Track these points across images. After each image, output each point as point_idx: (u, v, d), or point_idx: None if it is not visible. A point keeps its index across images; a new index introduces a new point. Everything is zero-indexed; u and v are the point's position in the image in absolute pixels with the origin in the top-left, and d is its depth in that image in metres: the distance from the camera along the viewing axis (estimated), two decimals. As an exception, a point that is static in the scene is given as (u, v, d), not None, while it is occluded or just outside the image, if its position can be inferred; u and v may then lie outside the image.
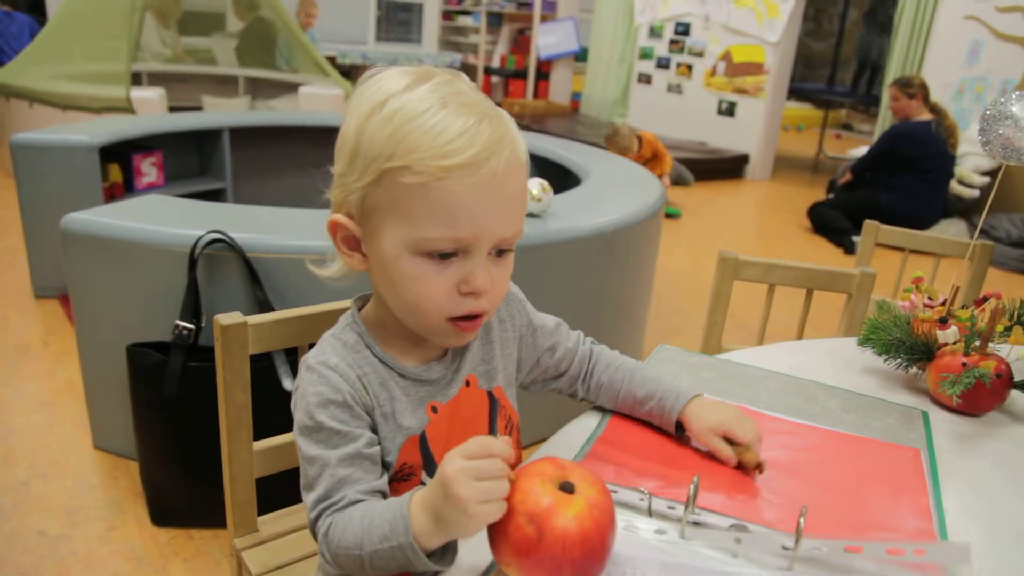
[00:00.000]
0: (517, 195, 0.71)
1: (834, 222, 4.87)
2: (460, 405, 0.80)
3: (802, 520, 0.66)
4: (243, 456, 1.07)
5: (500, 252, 0.72)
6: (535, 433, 1.93)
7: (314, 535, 0.70)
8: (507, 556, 0.60)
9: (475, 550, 0.67)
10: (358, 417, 0.72)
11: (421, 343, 0.78)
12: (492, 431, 0.82)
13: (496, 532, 0.60)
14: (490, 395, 0.83)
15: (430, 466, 0.77)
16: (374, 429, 0.74)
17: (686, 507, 0.70)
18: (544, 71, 9.14)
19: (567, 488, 0.60)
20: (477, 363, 0.82)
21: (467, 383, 0.81)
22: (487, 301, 0.72)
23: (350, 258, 0.75)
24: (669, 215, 4.98)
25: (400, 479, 0.76)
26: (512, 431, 0.86)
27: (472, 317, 0.72)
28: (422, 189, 0.66)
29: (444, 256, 0.69)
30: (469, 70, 9.36)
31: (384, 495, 0.72)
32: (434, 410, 0.78)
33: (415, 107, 0.66)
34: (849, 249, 4.65)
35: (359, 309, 0.80)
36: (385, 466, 0.75)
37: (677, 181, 5.20)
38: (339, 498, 0.68)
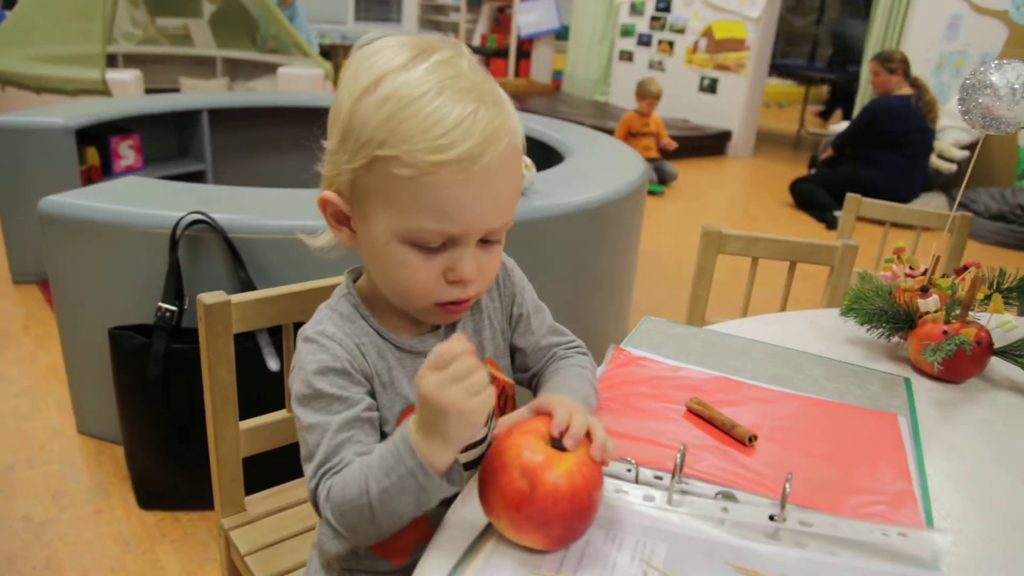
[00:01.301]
0: (511, 186, 0.70)
1: (816, 197, 4.90)
2: None
3: (787, 486, 0.67)
4: (229, 436, 1.07)
5: (488, 240, 0.72)
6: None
7: (315, 506, 0.69)
8: (499, 510, 0.61)
9: (471, 509, 0.67)
10: (357, 383, 0.72)
11: (413, 316, 0.78)
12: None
13: (489, 486, 0.62)
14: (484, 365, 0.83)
15: None
16: (373, 396, 0.74)
17: (673, 475, 0.70)
18: (525, 50, 9.08)
19: (559, 446, 0.62)
20: (469, 334, 0.82)
21: None
22: (474, 288, 0.72)
23: (340, 232, 0.75)
24: (652, 192, 4.99)
25: None
26: (507, 402, 0.86)
27: (460, 302, 0.73)
28: (412, 182, 0.64)
29: (432, 248, 0.68)
30: (450, 49, 9.27)
31: None
32: None
33: (410, 91, 0.64)
34: (831, 224, 4.68)
35: (353, 281, 0.80)
36: (384, 436, 0.75)
37: (661, 177, 5.27)
38: (338, 461, 0.68)
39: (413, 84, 0.64)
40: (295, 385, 0.73)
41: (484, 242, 0.71)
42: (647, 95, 5.30)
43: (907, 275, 1.15)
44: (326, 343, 0.72)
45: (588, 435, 0.64)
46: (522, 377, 0.89)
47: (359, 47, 0.71)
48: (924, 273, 1.13)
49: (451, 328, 0.81)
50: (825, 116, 9.34)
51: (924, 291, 1.06)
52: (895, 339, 1.13)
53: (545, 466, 0.60)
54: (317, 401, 0.71)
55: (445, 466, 0.63)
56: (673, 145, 5.36)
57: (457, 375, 0.59)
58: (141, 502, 1.77)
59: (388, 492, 0.63)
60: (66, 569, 1.57)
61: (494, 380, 0.63)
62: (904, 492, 0.76)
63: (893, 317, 1.09)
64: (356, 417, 0.70)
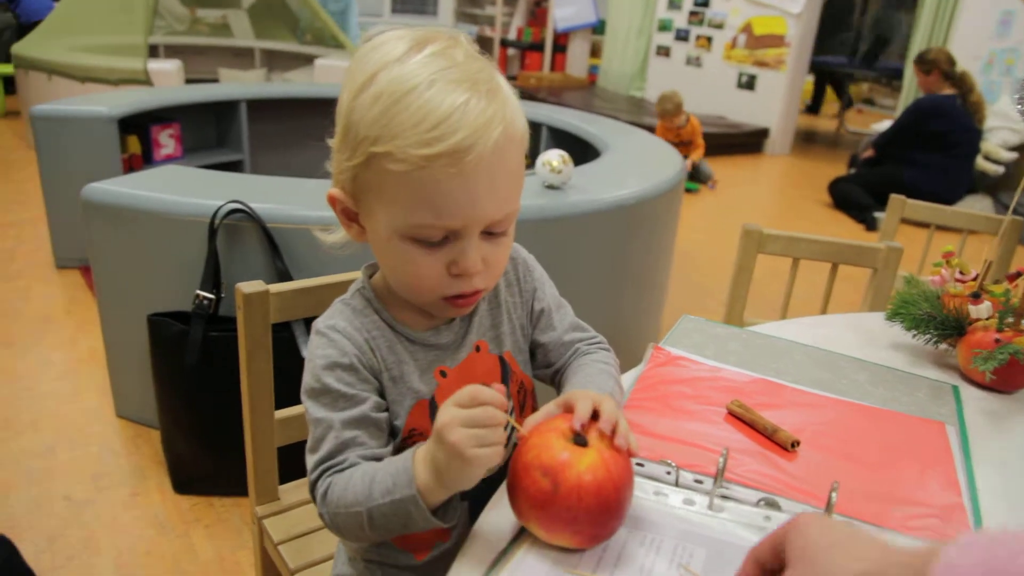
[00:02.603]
0: (508, 177, 0.68)
1: (856, 198, 4.81)
2: (470, 370, 0.79)
3: (833, 495, 0.65)
4: (264, 425, 1.08)
5: (494, 232, 0.70)
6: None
7: (313, 497, 0.71)
8: (526, 511, 0.62)
9: (502, 516, 0.66)
10: (364, 380, 0.73)
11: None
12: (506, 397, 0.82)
13: (514, 489, 0.62)
14: (501, 360, 0.82)
15: None
16: (382, 394, 0.74)
17: (715, 480, 0.69)
18: (561, 44, 9.03)
19: (580, 442, 0.62)
20: (486, 328, 0.82)
21: (477, 348, 0.80)
22: (480, 280, 0.71)
23: (350, 229, 0.75)
24: (688, 189, 4.94)
25: (410, 447, 0.76)
26: (527, 397, 0.85)
27: (467, 295, 0.72)
28: (406, 177, 0.64)
29: (433, 242, 0.68)
30: (485, 42, 9.26)
31: None
32: (443, 374, 0.77)
33: (401, 85, 0.63)
34: (871, 225, 4.59)
35: (369, 277, 0.80)
36: (393, 431, 0.75)
37: (695, 175, 5.18)
38: (341, 460, 0.69)
39: (405, 78, 0.64)
40: (305, 377, 0.74)
41: (489, 234, 0.70)
42: (663, 115, 5.17)
43: (957, 280, 1.12)
44: (335, 337, 0.73)
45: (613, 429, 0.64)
46: (544, 373, 0.88)
47: (363, 41, 0.70)
48: (975, 278, 1.10)
49: (465, 321, 0.80)
50: (813, 110, 9.11)
51: (975, 297, 1.03)
52: (942, 345, 1.10)
53: (567, 463, 0.60)
54: (324, 396, 0.71)
55: (438, 502, 0.64)
56: (695, 158, 5.21)
57: (472, 420, 0.60)
58: (176, 486, 1.79)
59: (381, 511, 0.65)
60: (103, 550, 1.60)
61: (520, 439, 0.63)
62: (954, 505, 0.74)
63: (942, 323, 1.06)
64: (363, 416, 0.71)
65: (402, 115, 0.63)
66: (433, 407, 0.76)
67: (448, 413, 0.61)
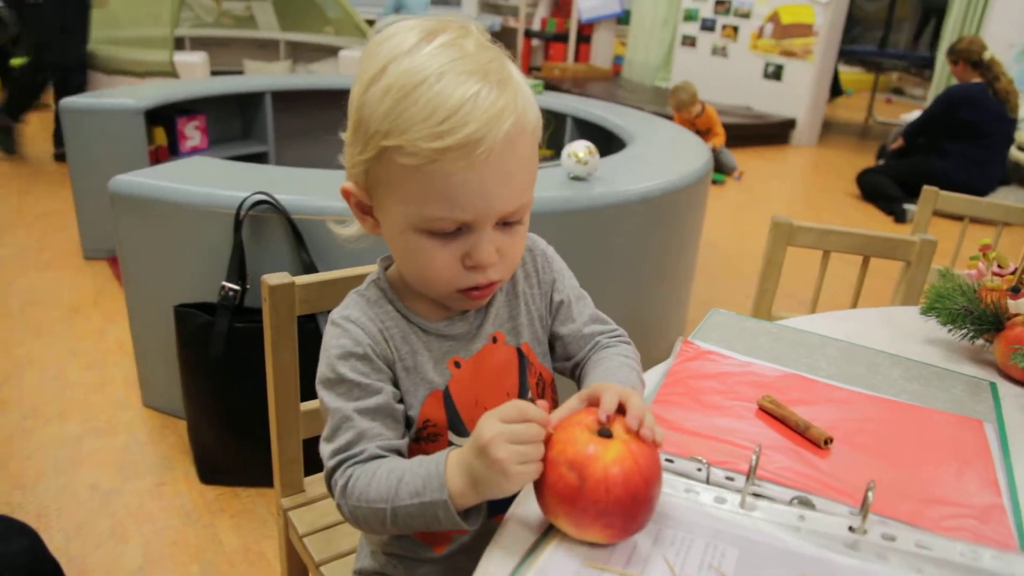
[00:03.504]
0: (521, 168, 0.67)
1: (885, 189, 4.73)
2: (486, 361, 0.79)
3: (870, 495, 0.64)
4: (290, 417, 1.08)
5: (508, 223, 0.70)
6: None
7: (329, 487, 0.70)
8: (554, 507, 0.61)
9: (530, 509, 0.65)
10: (379, 370, 0.73)
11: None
12: (523, 388, 0.81)
13: (541, 486, 0.61)
14: (519, 351, 0.81)
15: (455, 423, 0.77)
16: (396, 384, 0.74)
17: (747, 478, 0.67)
18: (585, 34, 8.97)
19: (605, 434, 0.61)
20: (504, 320, 0.81)
21: (494, 339, 0.80)
22: (495, 272, 0.71)
23: (365, 222, 0.75)
24: (714, 181, 4.89)
25: (426, 439, 0.76)
26: (545, 389, 0.84)
27: (482, 287, 0.71)
28: (418, 171, 0.64)
29: (447, 234, 0.68)
30: (509, 33, 9.22)
31: (402, 454, 0.72)
32: (457, 365, 0.77)
33: (411, 78, 0.63)
34: (900, 217, 4.52)
35: (385, 269, 0.81)
36: (408, 421, 0.75)
37: (718, 166, 5.12)
38: (359, 451, 0.69)
39: (415, 70, 0.63)
40: (320, 367, 0.74)
41: (504, 224, 0.69)
42: (679, 106, 5.08)
43: (994, 274, 1.09)
44: (349, 327, 0.73)
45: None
46: (564, 366, 0.87)
47: (376, 31, 0.70)
48: (1013, 272, 1.07)
49: (481, 312, 0.80)
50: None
51: (1015, 291, 1.00)
52: (979, 341, 1.07)
53: (593, 456, 0.59)
54: (339, 386, 0.71)
55: (468, 506, 0.64)
56: (717, 144, 5.14)
57: (517, 437, 0.60)
58: (202, 476, 1.81)
59: (407, 511, 0.65)
60: (130, 539, 1.62)
61: (545, 435, 0.62)
62: (993, 506, 0.72)
63: (979, 318, 1.03)
64: (377, 407, 0.71)
65: (412, 109, 0.63)
66: (447, 398, 0.76)
67: (494, 428, 0.60)
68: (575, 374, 0.86)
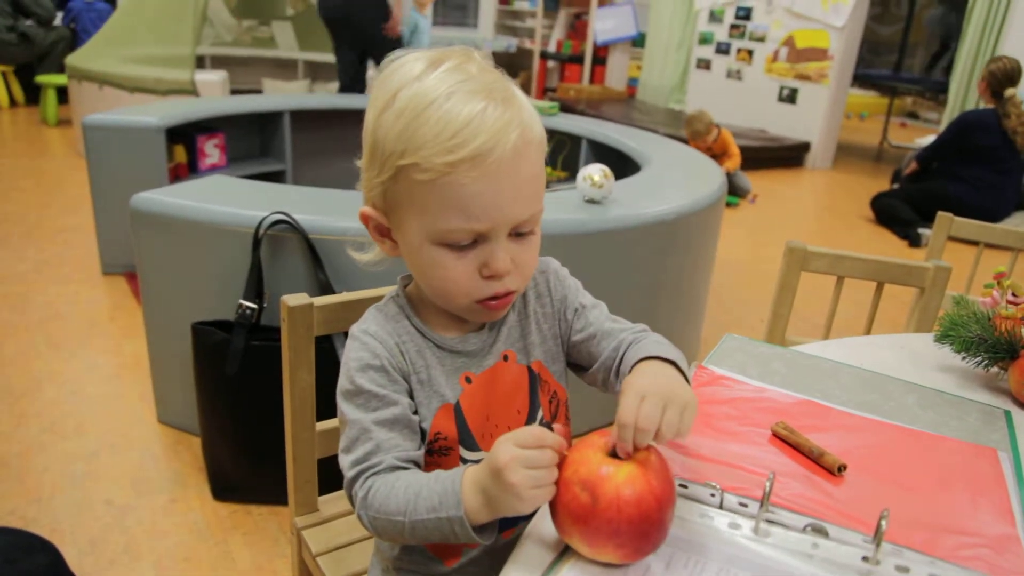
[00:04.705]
0: (531, 177, 0.71)
1: (899, 213, 4.72)
2: (497, 378, 0.81)
3: (883, 523, 0.64)
4: (306, 437, 1.09)
5: (521, 233, 0.73)
6: (590, 420, 1.92)
7: (350, 497, 0.73)
8: (568, 527, 0.62)
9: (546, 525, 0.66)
10: (395, 382, 0.76)
11: (458, 317, 0.81)
12: (534, 405, 0.83)
13: (555, 506, 0.63)
14: (529, 370, 0.83)
15: (465, 437, 0.79)
16: (411, 396, 0.77)
17: (761, 504, 0.68)
18: (601, 56, 9.03)
19: (617, 454, 0.62)
20: (515, 338, 0.83)
21: (505, 357, 0.82)
22: (512, 281, 0.74)
23: (383, 245, 0.78)
24: (728, 204, 4.89)
25: (438, 452, 0.79)
26: (559, 407, 0.86)
27: (499, 296, 0.74)
28: (433, 185, 0.67)
29: (463, 246, 0.71)
30: (525, 55, 9.30)
31: (419, 465, 0.75)
32: (468, 380, 0.80)
33: (421, 100, 0.67)
34: (914, 241, 4.50)
35: (404, 287, 0.84)
36: (421, 433, 0.77)
37: (732, 188, 5.13)
38: (377, 462, 0.72)
39: (425, 93, 0.68)
40: (340, 379, 0.77)
41: (517, 235, 0.73)
42: (695, 136, 5.13)
43: (1009, 302, 1.09)
44: (368, 341, 0.77)
45: (656, 438, 0.63)
46: (595, 375, 0.84)
47: (384, 66, 0.74)
48: (1029, 301, 1.07)
49: (494, 330, 0.82)
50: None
51: (1030, 320, 1.00)
52: (994, 369, 1.07)
53: (605, 476, 0.60)
54: (357, 397, 0.74)
55: (483, 522, 0.66)
56: (731, 167, 5.16)
57: (532, 462, 0.61)
58: (215, 493, 1.82)
59: (424, 525, 0.67)
60: (143, 555, 1.62)
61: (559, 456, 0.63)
62: (1008, 536, 0.72)
63: (993, 346, 1.03)
64: (395, 418, 0.74)
65: (424, 128, 0.67)
66: (458, 411, 0.79)
67: (509, 452, 0.62)
68: (606, 382, 0.83)
